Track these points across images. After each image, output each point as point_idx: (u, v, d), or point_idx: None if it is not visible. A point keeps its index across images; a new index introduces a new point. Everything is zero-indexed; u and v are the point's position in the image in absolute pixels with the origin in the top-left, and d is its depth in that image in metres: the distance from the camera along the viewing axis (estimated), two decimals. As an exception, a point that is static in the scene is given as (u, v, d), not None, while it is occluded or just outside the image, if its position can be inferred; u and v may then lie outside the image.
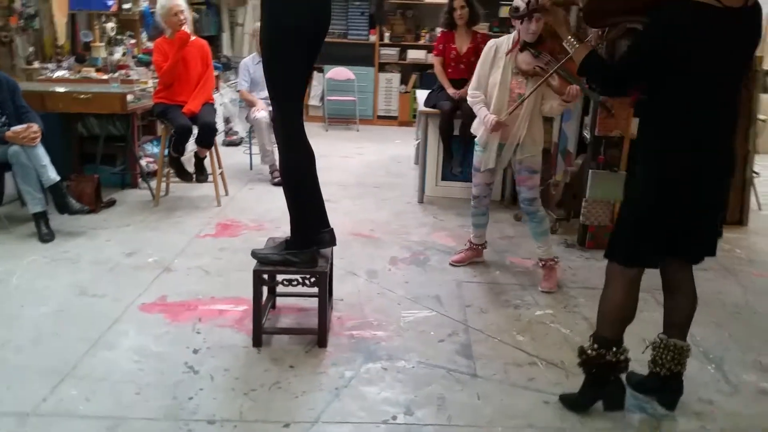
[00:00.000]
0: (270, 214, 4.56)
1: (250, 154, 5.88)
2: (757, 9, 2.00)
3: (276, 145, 2.91)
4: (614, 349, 2.23)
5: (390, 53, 8.50)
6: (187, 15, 4.48)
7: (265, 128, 5.12)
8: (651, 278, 2.31)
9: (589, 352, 2.27)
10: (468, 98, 3.57)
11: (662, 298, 2.40)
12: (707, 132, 2.03)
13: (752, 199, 4.92)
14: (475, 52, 5.06)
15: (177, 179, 4.80)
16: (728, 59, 1.99)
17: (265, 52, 2.57)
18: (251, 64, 5.35)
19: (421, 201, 5.04)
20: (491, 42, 3.46)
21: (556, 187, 4.57)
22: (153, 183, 4.76)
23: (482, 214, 3.69)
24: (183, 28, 4.40)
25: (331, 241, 2.76)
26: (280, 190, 5.03)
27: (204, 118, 4.45)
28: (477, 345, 2.82)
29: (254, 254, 2.77)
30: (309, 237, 2.68)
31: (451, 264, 3.74)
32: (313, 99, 8.36)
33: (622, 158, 4.05)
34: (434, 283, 3.47)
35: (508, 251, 4.02)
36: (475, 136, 3.54)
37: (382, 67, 8.58)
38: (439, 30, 8.53)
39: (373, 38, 8.46)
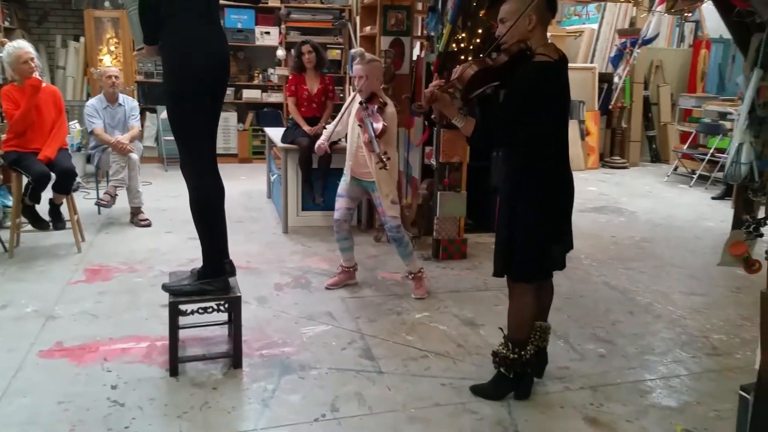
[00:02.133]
0: (136, 255, 4.57)
1: (97, 196, 5.72)
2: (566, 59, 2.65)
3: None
4: (528, 347, 2.68)
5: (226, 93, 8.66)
6: (38, 62, 4.39)
7: (137, 169, 5.12)
8: (497, 279, 2.78)
9: (511, 355, 2.66)
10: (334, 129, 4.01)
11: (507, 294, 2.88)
12: (565, 156, 2.59)
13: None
14: (325, 92, 5.54)
15: (30, 229, 4.61)
16: (567, 99, 2.61)
17: (167, 101, 2.75)
18: (100, 106, 5.29)
19: (285, 231, 5.34)
20: (352, 94, 3.91)
21: (410, 209, 5.14)
22: None
23: (345, 239, 4.00)
24: (34, 75, 4.30)
25: (232, 270, 2.98)
26: (139, 231, 5.19)
27: (62, 163, 4.36)
28: (375, 348, 3.20)
29: (166, 288, 2.89)
30: (221, 266, 2.89)
31: (327, 288, 4.04)
32: (147, 140, 8.24)
33: (463, 180, 4.73)
34: (321, 302, 3.80)
35: (377, 268, 4.47)
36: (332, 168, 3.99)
37: (217, 106, 8.71)
38: (271, 71, 8.96)
39: (206, 78, 8.56)
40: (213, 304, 2.87)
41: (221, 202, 2.88)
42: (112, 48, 8.09)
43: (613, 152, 9.30)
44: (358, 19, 8.68)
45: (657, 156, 9.83)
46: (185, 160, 2.82)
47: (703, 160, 7.78)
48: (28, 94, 4.26)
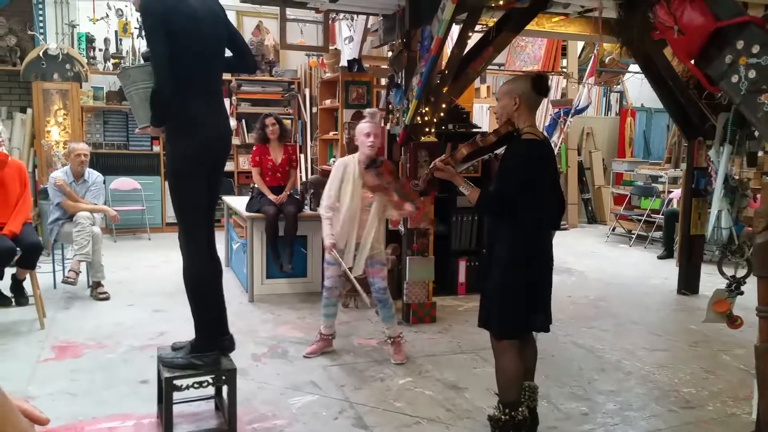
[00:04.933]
0: (102, 330, 4.45)
1: (53, 271, 5.56)
2: (548, 140, 2.91)
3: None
4: (520, 408, 2.76)
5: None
6: (4, 137, 4.34)
7: (100, 242, 5.03)
8: (476, 340, 2.93)
9: (503, 417, 2.74)
10: (321, 211, 4.01)
11: (486, 356, 3.02)
12: (549, 228, 2.81)
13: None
14: (289, 161, 5.67)
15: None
16: (553, 176, 2.85)
17: (170, 177, 2.82)
18: (66, 180, 5.22)
19: (251, 300, 5.32)
20: (339, 161, 4.00)
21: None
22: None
23: (333, 305, 4.07)
24: (1, 150, 4.24)
25: (231, 346, 3.00)
26: (100, 305, 5.07)
27: (28, 238, 4.27)
28: (367, 416, 3.23)
29: (164, 363, 2.87)
30: (213, 341, 2.89)
31: (305, 356, 4.04)
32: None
33: (430, 245, 4.90)
34: (303, 371, 3.81)
35: (352, 334, 4.52)
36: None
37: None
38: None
39: (156, 148, 8.56)
40: (209, 378, 2.86)
41: (217, 280, 2.92)
42: (60, 119, 7.99)
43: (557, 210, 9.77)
44: (307, 91, 8.98)
45: (594, 217, 10.39)
46: (183, 234, 2.86)
47: (639, 220, 8.31)
48: (-6, 169, 4.19)
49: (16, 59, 7.98)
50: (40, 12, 8.15)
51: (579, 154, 10.31)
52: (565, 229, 9.51)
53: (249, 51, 3.09)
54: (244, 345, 4.24)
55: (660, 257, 7.45)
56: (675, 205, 7.70)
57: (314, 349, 4.10)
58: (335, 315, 4.12)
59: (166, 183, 8.49)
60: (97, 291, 5.19)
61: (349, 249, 3.93)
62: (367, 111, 4.01)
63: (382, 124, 3.86)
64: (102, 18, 8.19)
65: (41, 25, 8.15)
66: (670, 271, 6.57)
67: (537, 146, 2.69)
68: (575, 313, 5.16)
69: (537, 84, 2.71)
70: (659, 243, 7.88)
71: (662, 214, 7.82)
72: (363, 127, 3.85)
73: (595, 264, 7.13)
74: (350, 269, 3.92)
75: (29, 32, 8.11)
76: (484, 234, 5.46)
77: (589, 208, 10.46)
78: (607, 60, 9.13)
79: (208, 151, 2.79)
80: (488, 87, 9.62)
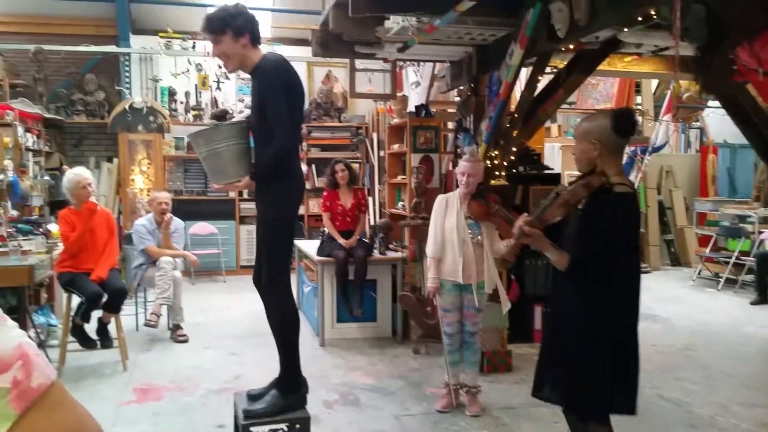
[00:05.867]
0: (181, 373, 4.56)
1: (136, 314, 5.77)
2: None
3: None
4: None
5: (249, 206, 8.92)
6: (94, 187, 4.60)
7: (181, 286, 5.28)
8: None
9: None
10: (428, 253, 3.94)
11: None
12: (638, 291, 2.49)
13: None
14: (358, 206, 5.73)
15: (75, 348, 4.63)
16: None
17: (266, 226, 2.93)
18: (150, 227, 5.48)
19: (322, 344, 5.33)
20: (440, 197, 3.95)
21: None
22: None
23: (456, 351, 3.91)
24: (90, 199, 4.49)
25: (306, 386, 3.05)
26: (178, 347, 5.17)
27: (114, 283, 4.47)
28: (442, 469, 3.14)
29: (248, 415, 2.89)
30: (299, 381, 2.97)
31: (439, 411, 3.86)
32: (175, 254, 8.38)
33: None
34: (376, 420, 3.75)
35: (423, 382, 4.43)
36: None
37: (243, 220, 8.95)
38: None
39: (232, 194, 8.86)
40: (283, 426, 2.86)
41: (299, 323, 3.01)
42: (144, 168, 8.42)
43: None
44: (375, 135, 9.12)
45: (677, 260, 9.91)
46: (272, 281, 2.93)
47: (727, 263, 7.86)
48: (84, 218, 4.43)
49: (104, 113, 8.52)
50: (127, 69, 8.72)
51: (659, 193, 9.94)
52: (646, 272, 9.11)
53: None
54: (316, 391, 4.22)
55: (753, 303, 6.99)
56: (767, 247, 7.26)
57: (446, 404, 3.91)
58: (460, 361, 3.95)
59: (241, 227, 8.83)
60: (177, 333, 5.35)
61: (451, 290, 3.80)
62: (466, 149, 4.02)
63: (472, 161, 3.84)
64: (183, 72, 8.66)
65: (127, 80, 8.71)
66: (766, 317, 6.15)
67: (632, 201, 2.41)
68: (661, 364, 4.88)
69: (619, 123, 2.36)
70: (751, 287, 7.40)
71: (753, 257, 7.36)
72: (460, 166, 3.87)
73: (680, 310, 6.76)
74: (458, 308, 3.82)
75: (117, 88, 8.67)
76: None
77: (672, 249, 10.00)
78: (684, 97, 8.84)
79: (300, 199, 2.97)
80: (559, 126, 9.49)
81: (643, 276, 2.51)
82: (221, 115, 3.13)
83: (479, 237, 3.78)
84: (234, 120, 3.05)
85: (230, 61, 2.81)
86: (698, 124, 10.82)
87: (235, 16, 2.74)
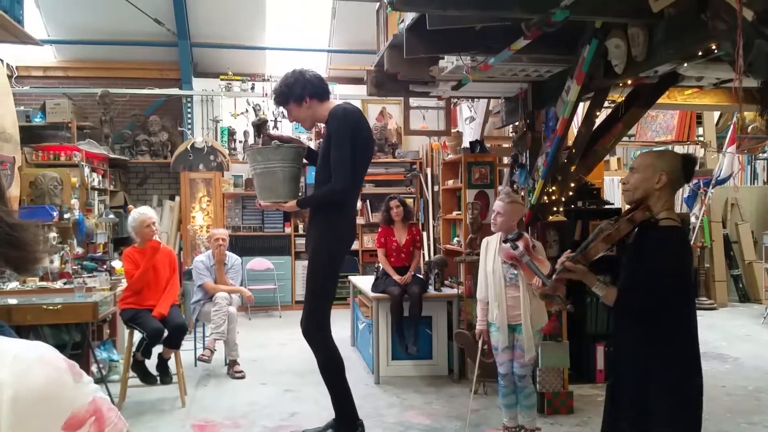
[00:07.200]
0: (237, 409, 4.59)
1: (195, 348, 5.87)
2: None
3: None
4: None
5: (304, 242, 9.04)
6: (158, 225, 4.75)
7: (235, 321, 5.36)
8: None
9: None
10: (476, 296, 3.98)
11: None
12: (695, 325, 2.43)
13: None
14: (413, 242, 5.72)
15: (135, 383, 4.74)
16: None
17: (315, 264, 2.99)
18: (208, 263, 5.61)
19: (377, 382, 5.29)
20: (485, 239, 3.97)
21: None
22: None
23: (512, 392, 3.83)
24: (154, 237, 4.65)
25: (363, 429, 3.01)
26: (235, 383, 5.22)
27: (175, 320, 4.57)
28: None
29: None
30: (356, 420, 2.95)
31: None
32: (233, 289, 8.53)
33: (564, 328, 4.66)
34: (433, 463, 3.68)
35: (482, 423, 4.33)
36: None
37: (298, 256, 9.06)
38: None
39: (288, 230, 9.01)
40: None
41: (341, 365, 2.99)
42: (204, 205, 8.67)
43: (698, 293, 9.02)
44: (429, 170, 9.14)
45: (746, 296, 9.46)
46: (314, 321, 2.95)
47: (800, 300, 7.46)
48: (147, 255, 4.57)
49: (167, 152, 8.85)
50: (189, 110, 9.07)
51: (724, 227, 9.56)
52: (713, 308, 8.73)
53: None
54: (371, 430, 4.17)
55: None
56: (844, 283, 6.86)
57: None
58: (516, 404, 3.86)
59: (296, 263, 8.93)
60: (234, 369, 5.41)
61: (501, 330, 3.75)
62: (501, 188, 4.01)
63: (503, 201, 3.81)
64: (242, 113, 8.94)
65: (189, 121, 9.04)
66: (844, 359, 5.78)
67: (682, 234, 2.41)
68: (731, 407, 4.62)
69: (688, 165, 2.44)
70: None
71: None
72: (494, 205, 3.88)
73: (751, 349, 6.42)
74: (509, 348, 3.76)
75: (179, 128, 9.01)
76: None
77: (740, 285, 9.55)
78: (750, 128, 8.55)
79: (350, 244, 2.99)
80: (618, 159, 9.30)
81: (709, 312, 2.45)
82: (261, 124, 3.27)
83: (514, 279, 3.72)
84: (293, 145, 3.13)
85: (303, 123, 3.00)
86: (765, 155, 10.43)
87: (292, 86, 2.89)
